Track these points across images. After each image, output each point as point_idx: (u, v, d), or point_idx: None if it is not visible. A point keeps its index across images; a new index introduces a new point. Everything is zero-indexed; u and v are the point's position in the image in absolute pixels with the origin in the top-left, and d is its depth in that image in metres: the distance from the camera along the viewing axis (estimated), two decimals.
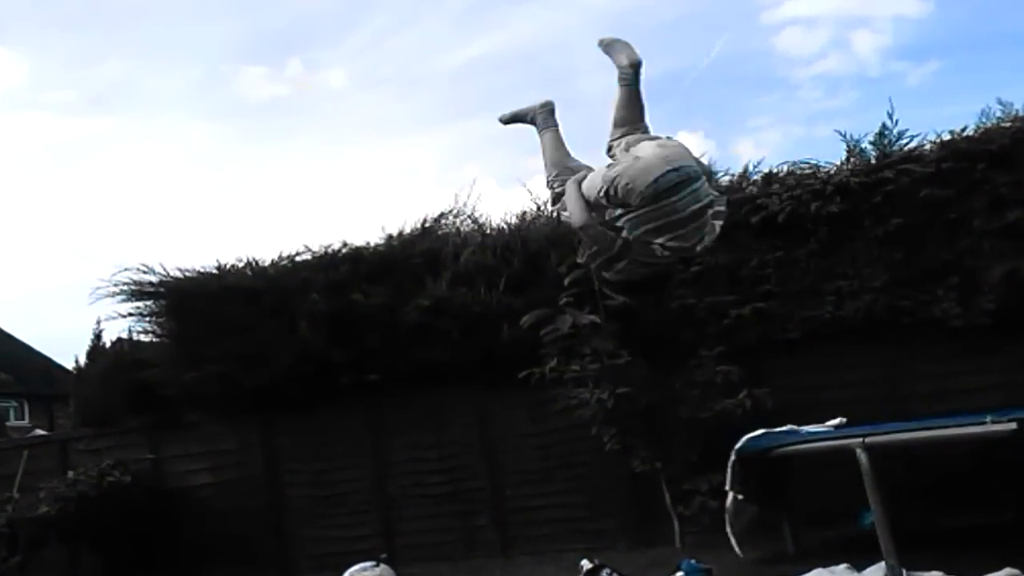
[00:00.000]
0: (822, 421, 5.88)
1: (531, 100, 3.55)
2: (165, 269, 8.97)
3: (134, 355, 9.63)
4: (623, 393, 6.95)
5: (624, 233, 3.05)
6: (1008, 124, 6.96)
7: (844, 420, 5.91)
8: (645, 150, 3.06)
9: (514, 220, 8.53)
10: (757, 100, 39.43)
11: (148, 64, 38.32)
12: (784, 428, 5.68)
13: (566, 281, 7.31)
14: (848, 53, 38.22)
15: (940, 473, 6.32)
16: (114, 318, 9.75)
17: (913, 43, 38.04)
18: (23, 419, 23.34)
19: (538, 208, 8.53)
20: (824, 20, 37.59)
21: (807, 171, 7.44)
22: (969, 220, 6.79)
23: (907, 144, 7.33)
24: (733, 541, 5.59)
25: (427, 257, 8.35)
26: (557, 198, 3.38)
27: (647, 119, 3.30)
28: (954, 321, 6.77)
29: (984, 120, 7.22)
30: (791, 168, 7.58)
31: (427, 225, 8.76)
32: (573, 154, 3.49)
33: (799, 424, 5.82)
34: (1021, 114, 7.04)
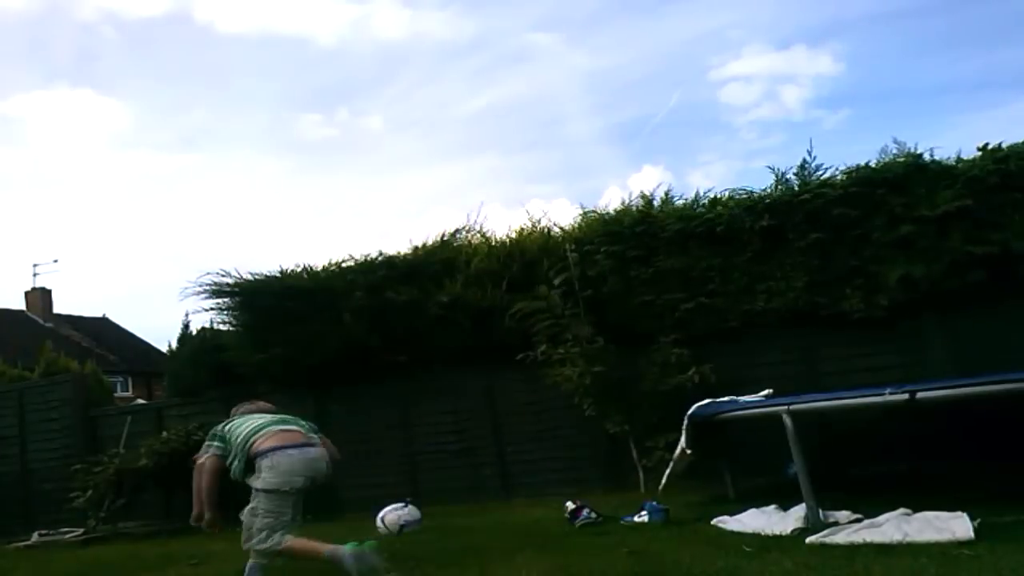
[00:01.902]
0: (755, 392, 5.87)
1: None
2: (239, 273, 8.96)
3: (215, 341, 9.62)
4: (598, 371, 6.94)
5: None
6: (902, 159, 6.94)
7: (771, 391, 5.89)
8: None
9: (513, 234, 8.52)
10: (706, 140, 39.45)
11: (227, 111, 38.31)
12: (725, 398, 5.65)
13: (556, 281, 7.32)
14: (778, 103, 38.24)
15: (849, 433, 6.32)
16: (199, 311, 9.78)
17: (829, 95, 38.11)
18: (127, 391, 23.33)
19: (532, 225, 8.53)
20: (759, 77, 37.61)
21: (744, 195, 7.42)
22: (871, 234, 6.77)
23: (823, 174, 7.31)
24: (664, 481, 5.58)
25: (445, 263, 8.33)
26: None
27: None
28: (858, 314, 6.76)
29: (883, 155, 7.21)
30: (731, 193, 7.56)
31: (445, 238, 8.74)
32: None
33: (737, 395, 5.80)
34: (911, 150, 7.03)
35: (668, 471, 5.59)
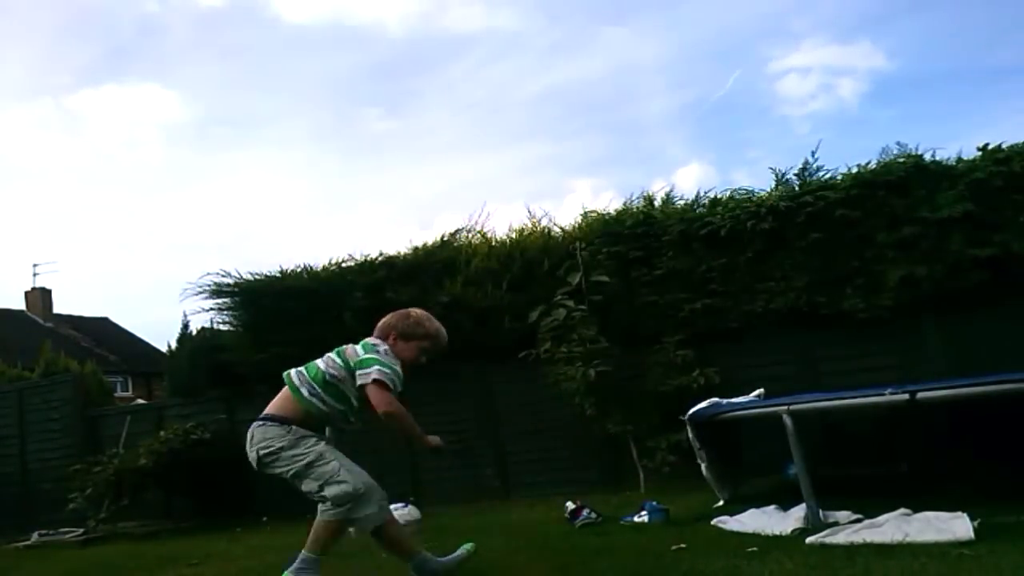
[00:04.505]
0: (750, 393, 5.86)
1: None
2: (239, 273, 8.97)
3: (214, 341, 9.62)
4: (602, 371, 6.95)
5: None
6: (903, 160, 6.96)
7: (763, 391, 5.88)
8: None
9: (513, 234, 8.53)
10: (755, 133, 38.90)
11: (246, 103, 37.61)
12: (706, 402, 5.54)
13: (569, 279, 7.32)
14: (834, 97, 37.74)
15: (849, 433, 6.33)
16: (198, 312, 9.77)
17: (884, 90, 37.63)
18: (127, 391, 23.37)
19: (532, 225, 8.54)
20: (817, 69, 37.18)
21: (745, 196, 7.43)
22: (872, 235, 6.79)
23: (824, 175, 7.34)
24: (722, 496, 5.52)
25: (445, 263, 8.34)
26: None
27: None
28: (860, 314, 6.77)
29: (884, 156, 7.23)
30: (732, 194, 7.58)
31: (445, 239, 8.76)
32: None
33: (736, 395, 5.78)
34: (912, 152, 7.05)
35: (712, 482, 5.57)
